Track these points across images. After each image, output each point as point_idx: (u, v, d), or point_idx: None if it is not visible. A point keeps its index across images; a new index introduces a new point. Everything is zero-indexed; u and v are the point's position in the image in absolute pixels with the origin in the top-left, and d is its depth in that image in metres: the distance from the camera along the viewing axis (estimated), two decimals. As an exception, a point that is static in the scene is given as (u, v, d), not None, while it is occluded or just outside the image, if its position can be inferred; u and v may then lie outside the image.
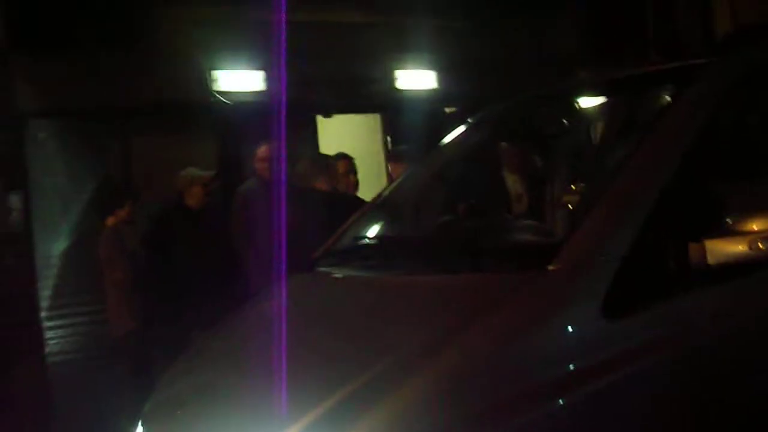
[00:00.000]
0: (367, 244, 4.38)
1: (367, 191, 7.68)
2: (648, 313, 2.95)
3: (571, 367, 2.80)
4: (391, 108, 10.39)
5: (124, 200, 7.34)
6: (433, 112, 10.02)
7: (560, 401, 2.76)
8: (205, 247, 7.45)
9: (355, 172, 7.82)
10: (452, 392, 2.75)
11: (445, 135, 5.02)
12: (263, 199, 7.62)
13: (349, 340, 3.26)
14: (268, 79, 9.17)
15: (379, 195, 4.98)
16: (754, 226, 3.10)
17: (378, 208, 4.80)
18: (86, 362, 8.21)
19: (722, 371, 3.03)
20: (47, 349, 7.89)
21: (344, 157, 7.87)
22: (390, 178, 7.60)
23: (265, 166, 7.69)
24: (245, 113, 9.29)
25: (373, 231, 4.66)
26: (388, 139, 10.51)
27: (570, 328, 2.86)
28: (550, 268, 2.98)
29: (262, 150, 7.75)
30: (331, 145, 9.82)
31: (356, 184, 7.84)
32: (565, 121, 4.75)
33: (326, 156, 7.91)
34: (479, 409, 2.71)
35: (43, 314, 7.90)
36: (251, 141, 8.85)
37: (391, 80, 10.21)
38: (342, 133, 10.29)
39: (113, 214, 7.27)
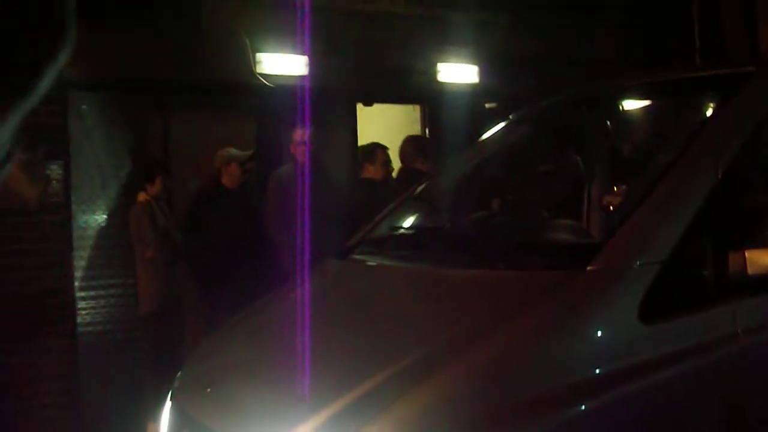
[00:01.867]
0: (403, 234, 4.39)
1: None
2: (685, 320, 2.93)
3: (605, 368, 2.79)
4: (431, 100, 10.36)
5: (155, 175, 7.39)
6: (473, 107, 9.98)
7: (591, 403, 2.74)
8: (240, 226, 7.50)
9: (390, 162, 7.83)
10: (477, 390, 2.74)
11: (485, 130, 5.00)
12: (297, 183, 7.68)
13: (379, 331, 3.25)
14: (311, 65, 9.17)
15: (417, 186, 4.97)
16: (796, 239, 3.07)
17: (415, 199, 4.80)
18: (115, 336, 8.26)
19: (756, 382, 3.00)
20: (78, 320, 7.95)
21: (379, 147, 7.88)
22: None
23: (301, 149, 7.71)
24: (286, 97, 9.32)
25: (408, 221, 4.66)
26: (427, 131, 10.48)
27: (607, 330, 2.85)
28: (589, 268, 2.97)
29: (298, 134, 7.77)
30: (369, 133, 9.81)
31: (390, 174, 7.84)
32: (608, 122, 4.71)
33: (375, 145, 7.94)
34: (506, 408, 2.69)
35: (76, 284, 7.96)
36: (291, 124, 8.90)
37: (433, 72, 10.19)
38: (380, 123, 10.29)
39: (144, 189, 7.32)
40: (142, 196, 7.32)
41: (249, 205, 7.78)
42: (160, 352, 7.24)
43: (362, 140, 9.70)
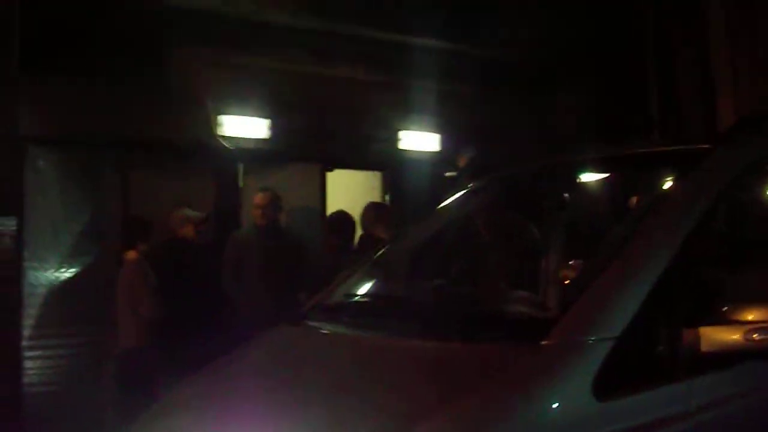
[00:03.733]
0: (358, 302, 4.34)
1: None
2: (638, 397, 2.90)
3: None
4: (392, 166, 10.40)
5: (149, 233, 7.40)
6: (433, 175, 10.02)
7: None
8: (195, 285, 7.50)
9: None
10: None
11: (445, 197, 5.00)
12: (255, 245, 7.69)
13: (328, 402, 3.19)
14: (273, 128, 9.18)
15: (374, 252, 4.95)
16: (750, 316, 3.07)
17: (372, 266, 4.76)
18: (65, 393, 8.12)
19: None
20: (25, 380, 7.78)
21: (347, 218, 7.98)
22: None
23: (258, 213, 7.80)
24: (246, 159, 9.30)
25: (365, 288, 4.62)
26: (387, 197, 10.50)
27: (560, 406, 2.81)
28: (543, 343, 2.94)
29: (258, 197, 7.87)
30: (330, 199, 9.82)
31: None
32: (565, 194, 4.72)
33: (384, 205, 8.02)
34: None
35: (24, 343, 7.80)
36: (251, 186, 8.90)
37: (395, 139, 10.24)
38: (341, 188, 10.28)
39: (134, 247, 7.29)
40: (133, 254, 7.30)
41: (203, 264, 7.78)
42: (128, 391, 7.17)
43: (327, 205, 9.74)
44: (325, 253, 7.78)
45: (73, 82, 8.10)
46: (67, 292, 8.22)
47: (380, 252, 4.89)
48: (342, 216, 7.90)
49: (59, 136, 8.16)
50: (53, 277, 8.20)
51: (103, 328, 7.95)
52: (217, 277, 7.75)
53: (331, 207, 9.59)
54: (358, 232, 7.83)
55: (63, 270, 8.26)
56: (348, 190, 10.43)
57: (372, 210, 7.69)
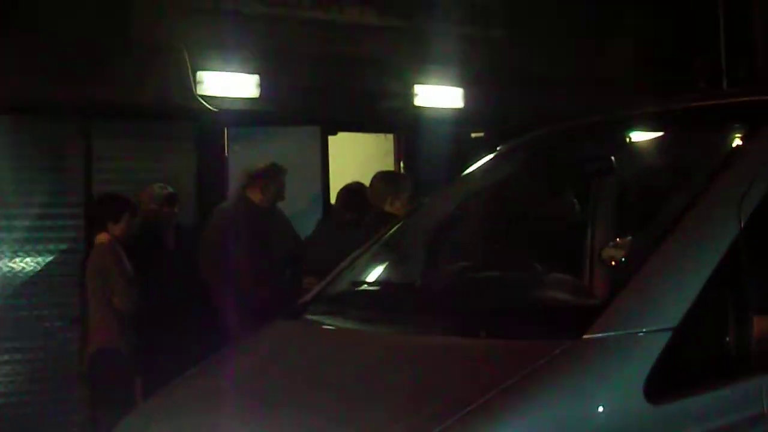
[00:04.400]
0: (366, 291, 4.35)
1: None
2: (699, 399, 2.90)
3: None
4: (407, 128, 10.38)
5: (122, 213, 7.38)
6: (456, 136, 9.99)
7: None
8: (170, 280, 7.52)
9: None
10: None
11: (469, 164, 4.99)
12: (250, 224, 7.70)
13: (340, 411, 3.20)
14: (264, 85, 9.17)
15: (384, 231, 4.95)
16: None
17: (382, 248, 4.77)
18: (28, 403, 8.23)
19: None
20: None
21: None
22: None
23: (259, 191, 7.79)
24: (232, 124, 9.30)
25: (374, 275, 4.63)
26: (401, 165, 10.48)
27: (607, 412, 2.82)
28: (586, 337, 2.94)
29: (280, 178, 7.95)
30: (333, 168, 9.82)
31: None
32: (613, 157, 4.71)
33: (398, 175, 8.02)
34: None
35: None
36: (239, 155, 8.90)
37: (409, 95, 10.21)
38: (346, 155, 10.27)
39: (105, 229, 7.32)
40: (104, 237, 7.31)
41: (187, 248, 7.83)
42: (103, 397, 7.24)
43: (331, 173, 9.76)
44: (336, 232, 7.76)
45: (25, 42, 8.10)
46: (25, 284, 8.27)
47: (393, 230, 4.89)
48: (357, 188, 7.91)
49: (11, 103, 8.18)
50: (7, 268, 8.25)
51: (71, 325, 8.02)
52: (195, 271, 7.76)
53: (335, 177, 9.59)
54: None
55: (19, 259, 8.31)
56: (355, 157, 10.42)
57: (383, 181, 7.68)
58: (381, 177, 7.77)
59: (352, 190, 7.94)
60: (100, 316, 7.26)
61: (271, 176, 7.99)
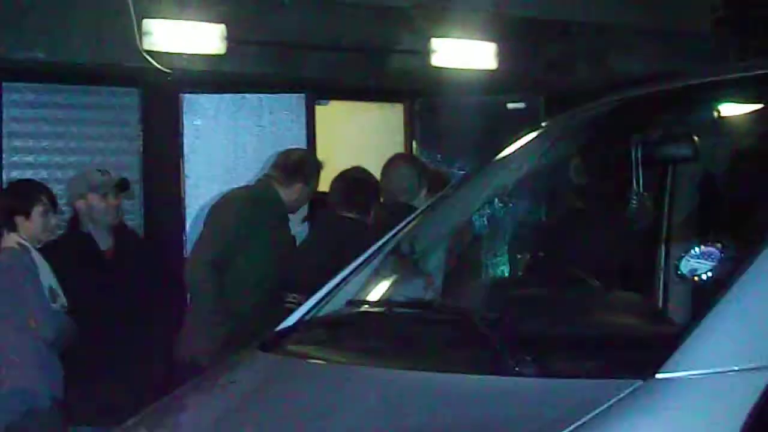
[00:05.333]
0: (370, 313, 4.35)
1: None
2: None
3: None
4: (421, 96, 10.39)
5: (32, 204, 7.34)
6: (487, 107, 10.01)
7: None
8: (117, 295, 7.49)
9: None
10: None
11: (504, 144, 4.99)
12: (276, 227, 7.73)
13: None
14: (231, 38, 9.18)
15: (393, 233, 4.95)
16: None
17: (390, 255, 4.77)
18: None
19: None
20: None
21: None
22: None
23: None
24: (191, 87, 9.32)
25: (379, 291, 4.63)
26: (414, 144, 10.50)
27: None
28: (661, 376, 2.94)
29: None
30: (327, 147, 9.83)
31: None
32: (695, 137, 4.71)
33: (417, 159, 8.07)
34: None
35: None
36: (199, 131, 8.90)
37: (425, 52, 10.22)
38: (345, 130, 10.30)
39: (12, 228, 7.22)
40: (12, 238, 7.18)
41: (128, 259, 7.79)
42: None
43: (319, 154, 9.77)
44: (330, 234, 7.78)
45: None
46: None
47: (403, 233, 4.89)
48: (360, 177, 7.93)
49: None
50: None
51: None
52: (154, 275, 7.72)
53: (326, 159, 9.61)
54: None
55: None
56: (352, 134, 10.44)
57: (409, 165, 7.74)
58: (405, 160, 7.83)
59: (354, 179, 7.95)
60: (12, 344, 7.24)
61: (315, 173, 7.96)
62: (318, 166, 8.03)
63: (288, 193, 7.84)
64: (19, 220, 7.22)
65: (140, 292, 7.60)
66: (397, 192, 7.58)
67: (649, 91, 4.77)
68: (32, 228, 7.26)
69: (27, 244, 7.21)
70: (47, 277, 7.21)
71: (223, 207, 7.80)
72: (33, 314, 7.07)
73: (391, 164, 7.76)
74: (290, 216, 7.94)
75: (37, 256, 7.19)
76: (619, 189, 5.61)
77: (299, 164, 7.89)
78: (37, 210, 7.26)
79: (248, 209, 7.71)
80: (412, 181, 7.55)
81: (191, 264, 7.70)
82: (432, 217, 5.04)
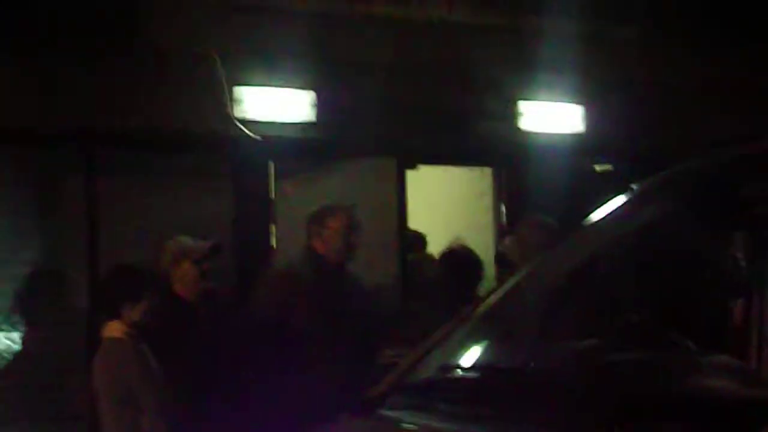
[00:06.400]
0: (463, 378, 4.32)
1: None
2: None
3: None
4: (509, 160, 10.37)
5: (142, 291, 7.16)
6: (575, 170, 9.97)
7: None
8: (205, 358, 7.47)
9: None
10: None
11: (595, 207, 4.96)
12: (319, 284, 7.72)
13: None
14: (321, 105, 9.22)
15: (485, 297, 4.93)
16: None
17: (483, 320, 4.75)
18: None
19: None
20: None
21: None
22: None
23: (338, 242, 7.78)
24: (281, 154, 9.36)
25: (472, 356, 4.60)
26: (503, 207, 10.48)
27: None
28: (763, 441, 2.89)
29: (338, 218, 7.85)
30: (414, 210, 9.83)
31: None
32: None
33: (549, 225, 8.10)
34: None
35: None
36: (289, 198, 8.92)
37: (513, 117, 10.21)
38: (431, 193, 10.30)
39: (117, 316, 6.98)
40: (116, 327, 6.95)
41: (216, 326, 7.79)
42: None
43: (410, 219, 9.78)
44: (435, 302, 7.80)
45: (11, 54, 8.24)
46: (11, 369, 8.32)
47: (496, 297, 4.87)
48: (463, 254, 7.97)
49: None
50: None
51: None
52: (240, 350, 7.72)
53: (415, 223, 9.61)
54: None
55: (2, 334, 8.39)
56: (442, 198, 10.43)
57: (543, 231, 7.79)
58: (539, 225, 7.85)
59: (458, 257, 8.02)
60: None
61: (327, 218, 7.94)
62: (339, 209, 7.99)
63: (319, 244, 7.88)
64: (126, 306, 6.98)
65: (225, 356, 7.61)
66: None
67: (739, 152, 4.73)
68: (139, 315, 7.01)
69: (134, 333, 6.97)
70: (154, 363, 6.99)
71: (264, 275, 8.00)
72: (146, 410, 6.83)
73: (519, 231, 7.80)
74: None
75: (144, 347, 6.98)
76: (713, 250, 5.56)
77: (316, 212, 7.94)
78: (147, 296, 7.07)
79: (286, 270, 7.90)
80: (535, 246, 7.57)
81: None
82: (522, 283, 5.01)
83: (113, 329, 6.93)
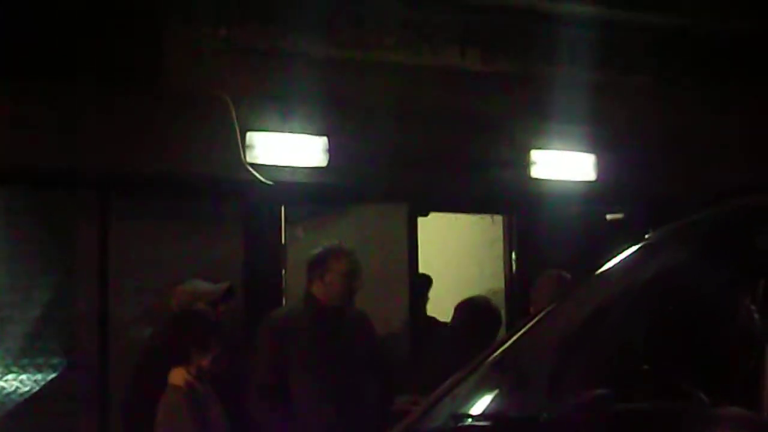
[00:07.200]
0: (474, 428, 4.30)
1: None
2: None
3: None
4: (521, 208, 10.36)
5: (210, 340, 7.04)
6: (587, 218, 9.96)
7: None
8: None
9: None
10: None
11: (606, 256, 4.95)
12: (316, 329, 7.69)
13: None
14: (333, 150, 9.23)
15: (497, 345, 4.92)
16: None
17: (495, 368, 4.74)
18: None
19: None
20: None
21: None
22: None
23: (342, 285, 7.73)
24: (291, 199, 9.35)
25: (483, 404, 4.59)
26: (513, 255, 10.46)
27: None
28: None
29: (341, 260, 7.80)
30: (428, 258, 9.83)
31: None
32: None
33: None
34: None
35: None
36: (301, 243, 8.91)
37: (524, 164, 10.21)
38: (444, 241, 10.29)
39: (184, 363, 6.90)
40: (180, 375, 6.87)
41: (230, 370, 7.75)
42: None
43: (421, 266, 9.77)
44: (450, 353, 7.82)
45: (21, 92, 8.24)
46: (18, 413, 8.29)
47: (507, 345, 4.86)
48: (484, 306, 8.00)
49: (12, 170, 8.30)
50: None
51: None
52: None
53: (426, 270, 9.60)
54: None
55: (12, 376, 8.37)
56: (452, 246, 10.42)
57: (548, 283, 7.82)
58: (557, 279, 7.91)
59: (479, 309, 8.05)
60: None
61: (328, 260, 7.88)
62: (337, 251, 7.89)
63: (318, 288, 7.79)
64: (194, 352, 6.93)
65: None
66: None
67: (752, 202, 4.73)
68: (209, 362, 6.94)
69: (194, 381, 6.89)
70: (217, 413, 6.96)
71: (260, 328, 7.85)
72: None
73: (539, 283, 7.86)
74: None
75: (212, 397, 6.95)
76: (728, 300, 5.55)
77: (315, 255, 7.86)
78: (216, 343, 7.01)
79: (280, 320, 7.80)
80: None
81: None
82: (537, 329, 5.01)
83: (176, 376, 6.85)
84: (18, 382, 8.38)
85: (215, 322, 7.21)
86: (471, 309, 8.11)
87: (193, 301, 7.57)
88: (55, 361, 8.49)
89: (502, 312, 9.57)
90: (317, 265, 7.85)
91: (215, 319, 7.28)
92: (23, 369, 8.41)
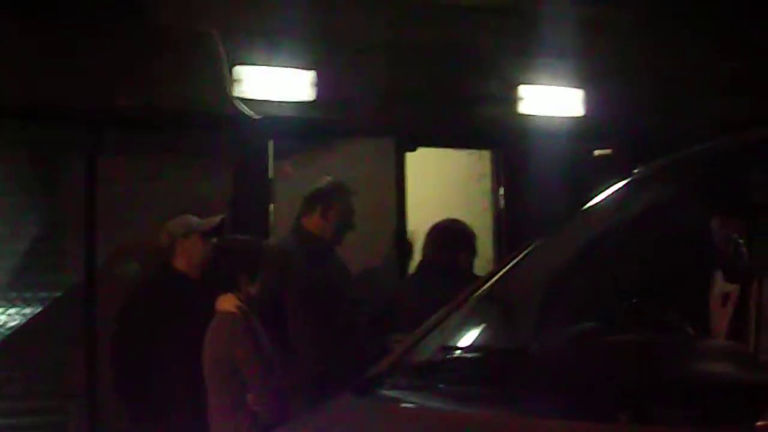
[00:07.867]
0: (462, 359, 4.32)
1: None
2: None
3: None
4: (508, 143, 10.36)
5: (259, 265, 6.95)
6: (574, 154, 9.96)
7: None
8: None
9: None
10: None
11: (593, 192, 4.97)
12: (309, 262, 7.70)
13: None
14: (320, 84, 9.21)
15: (485, 279, 4.94)
16: None
17: (482, 301, 4.75)
18: None
19: None
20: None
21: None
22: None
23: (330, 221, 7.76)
24: (280, 134, 9.34)
25: (472, 337, 4.61)
26: (501, 191, 10.47)
27: None
28: (761, 424, 2.90)
29: (345, 198, 7.95)
30: (416, 193, 9.82)
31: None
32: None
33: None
34: None
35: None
36: (289, 178, 8.91)
37: (512, 100, 10.20)
38: (431, 176, 10.29)
39: (235, 288, 6.82)
40: (231, 301, 6.77)
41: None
42: None
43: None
44: (426, 280, 7.83)
45: (9, 28, 8.23)
46: (9, 345, 8.33)
47: (496, 279, 4.88)
48: (455, 228, 8.00)
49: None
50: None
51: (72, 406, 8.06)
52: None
53: (414, 206, 9.60)
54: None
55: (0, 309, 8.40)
56: (440, 180, 10.42)
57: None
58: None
59: (450, 231, 8.05)
60: (229, 424, 6.68)
61: (332, 196, 7.91)
62: (341, 188, 8.04)
63: (312, 222, 7.91)
64: (243, 280, 6.87)
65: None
66: None
67: (741, 138, 4.73)
68: (257, 289, 6.92)
69: (246, 308, 6.81)
70: (266, 340, 6.87)
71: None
72: (252, 387, 6.68)
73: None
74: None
75: (255, 321, 6.84)
76: (713, 237, 5.58)
77: (318, 190, 7.96)
78: (263, 270, 6.99)
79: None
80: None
81: None
82: (525, 264, 5.02)
83: (227, 303, 6.78)
84: (5, 316, 8.39)
85: (261, 250, 7.10)
86: (438, 230, 8.12)
87: (189, 232, 7.56)
88: (43, 294, 8.50)
89: (490, 247, 9.64)
90: (318, 200, 7.86)
91: (260, 248, 7.18)
92: (10, 302, 8.42)
